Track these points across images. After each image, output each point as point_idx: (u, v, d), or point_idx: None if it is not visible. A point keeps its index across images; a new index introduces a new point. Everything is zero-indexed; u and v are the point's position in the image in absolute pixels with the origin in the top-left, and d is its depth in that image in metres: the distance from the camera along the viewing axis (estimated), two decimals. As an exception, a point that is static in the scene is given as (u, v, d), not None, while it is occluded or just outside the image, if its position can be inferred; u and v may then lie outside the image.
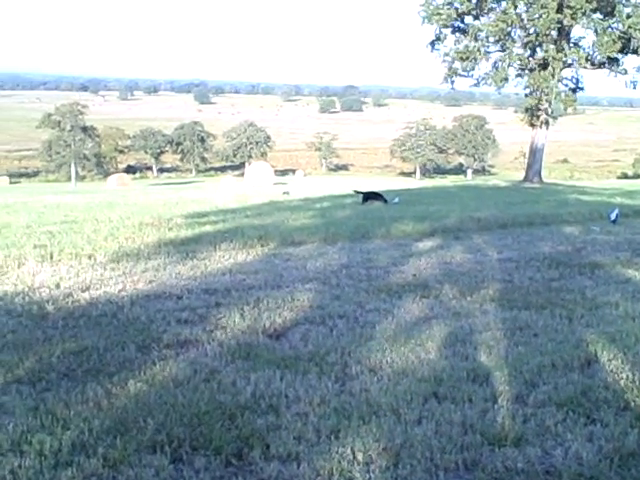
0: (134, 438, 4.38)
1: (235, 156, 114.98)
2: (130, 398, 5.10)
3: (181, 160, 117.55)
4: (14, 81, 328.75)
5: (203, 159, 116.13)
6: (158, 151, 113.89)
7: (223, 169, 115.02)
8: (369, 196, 23.48)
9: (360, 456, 4.19)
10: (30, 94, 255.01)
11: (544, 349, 6.23)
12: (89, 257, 11.05)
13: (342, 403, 5.00)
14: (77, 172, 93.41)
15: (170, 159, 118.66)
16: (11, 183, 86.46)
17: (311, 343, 6.53)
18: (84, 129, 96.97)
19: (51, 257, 11.01)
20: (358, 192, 24.51)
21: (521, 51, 46.33)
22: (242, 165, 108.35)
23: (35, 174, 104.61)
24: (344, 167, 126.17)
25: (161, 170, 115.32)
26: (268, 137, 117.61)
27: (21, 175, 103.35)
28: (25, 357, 6.03)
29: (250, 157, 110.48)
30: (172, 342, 6.54)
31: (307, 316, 7.54)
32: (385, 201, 22.87)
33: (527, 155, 52.77)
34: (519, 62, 46.13)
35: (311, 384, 5.40)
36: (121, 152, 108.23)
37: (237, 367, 5.81)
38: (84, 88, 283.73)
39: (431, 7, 45.72)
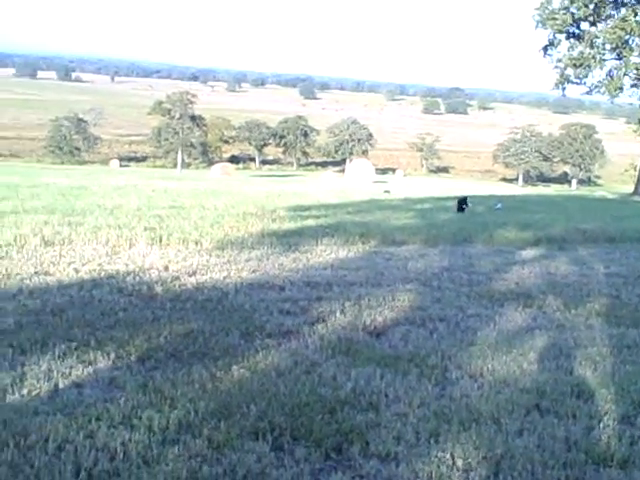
0: (237, 423, 4.48)
1: (337, 152, 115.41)
2: (234, 383, 5.22)
3: (283, 153, 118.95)
4: (129, 68, 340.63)
5: (305, 153, 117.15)
6: (262, 143, 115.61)
7: (324, 164, 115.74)
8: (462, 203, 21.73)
9: (460, 462, 4.16)
10: (143, 81, 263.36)
11: (653, 370, 6.01)
12: (196, 243, 11.36)
13: (442, 407, 4.96)
14: (183, 159, 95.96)
15: (273, 151, 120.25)
16: (121, 166, 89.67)
17: (411, 344, 6.51)
18: (192, 118, 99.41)
19: (160, 240, 11.38)
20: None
21: (638, 60, 44.69)
22: (343, 161, 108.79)
23: (144, 159, 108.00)
24: (445, 169, 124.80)
25: (263, 162, 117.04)
26: (370, 135, 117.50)
27: (130, 159, 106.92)
28: (135, 335, 6.26)
29: (351, 154, 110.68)
30: (274, 332, 6.65)
31: (407, 316, 7.52)
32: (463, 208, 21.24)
33: (638, 168, 50.84)
34: (635, 71, 44.52)
35: (411, 385, 5.38)
36: (226, 142, 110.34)
37: (337, 362, 5.85)
38: (194, 78, 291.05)
39: (546, 11, 44.69)
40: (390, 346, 6.45)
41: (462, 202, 21.41)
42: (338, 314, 7.36)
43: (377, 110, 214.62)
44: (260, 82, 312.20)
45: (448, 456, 4.21)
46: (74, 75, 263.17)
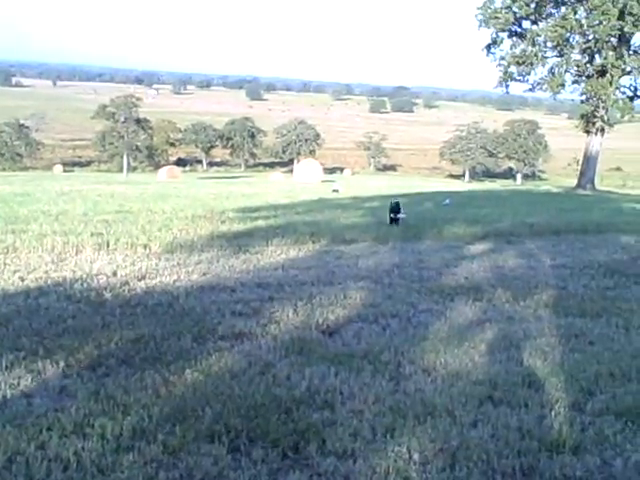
0: (192, 427, 4.44)
1: (284, 153, 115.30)
2: (187, 387, 5.18)
3: (231, 155, 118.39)
4: (71, 72, 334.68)
5: (252, 154, 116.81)
6: (208, 145, 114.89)
7: (272, 165, 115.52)
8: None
9: (416, 456, 4.19)
10: (86, 85, 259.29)
11: (601, 358, 6.15)
12: (144, 247, 11.24)
13: (397, 402, 4.99)
14: (129, 163, 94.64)
15: (220, 153, 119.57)
16: (65, 171, 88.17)
17: (364, 341, 6.54)
18: (137, 121, 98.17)
19: (107, 245, 11.24)
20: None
21: (579, 57, 45.73)
22: (291, 162, 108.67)
23: (88, 163, 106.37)
24: (392, 167, 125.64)
25: (210, 164, 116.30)
26: (317, 135, 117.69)
27: (74, 164, 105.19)
28: (85, 342, 6.15)
29: (299, 154, 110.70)
30: (227, 334, 6.61)
31: (360, 314, 7.55)
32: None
33: (580, 162, 52.00)
34: (576, 68, 45.53)
35: (365, 382, 5.40)
36: (172, 145, 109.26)
37: (291, 361, 5.85)
38: (139, 81, 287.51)
39: (489, 10, 45.38)
40: (343, 344, 6.47)
41: (394, 210, 16.03)
42: (290, 314, 7.36)
43: (324, 110, 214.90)
44: (206, 84, 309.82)
45: (405, 450, 4.24)
46: (14, 80, 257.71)
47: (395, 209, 16.06)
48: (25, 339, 6.20)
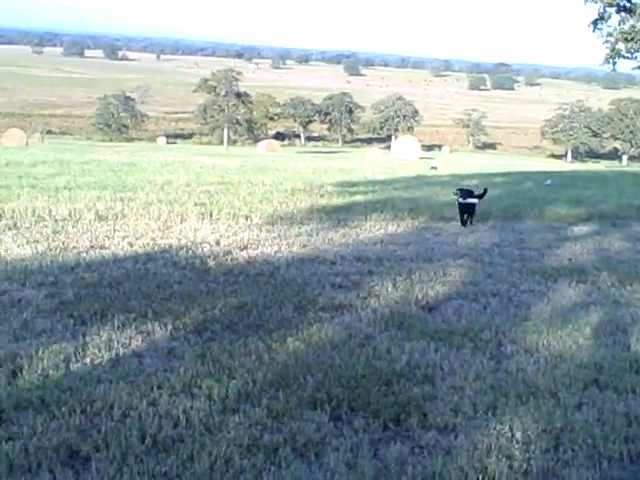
0: (295, 393, 4.53)
1: (382, 128, 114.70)
2: (289, 355, 5.28)
3: (328, 130, 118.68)
4: (174, 46, 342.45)
5: (350, 130, 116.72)
6: (307, 120, 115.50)
7: (369, 141, 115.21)
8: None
9: (519, 435, 4.14)
10: (188, 59, 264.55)
11: None
12: (246, 218, 11.46)
13: (498, 381, 4.95)
14: (229, 136, 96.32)
15: (318, 128, 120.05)
16: (168, 143, 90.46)
17: (464, 318, 6.49)
18: (238, 95, 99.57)
19: (211, 215, 11.52)
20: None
21: (692, 32, 43.38)
22: (388, 138, 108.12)
23: (190, 136, 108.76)
24: (491, 145, 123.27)
25: (308, 139, 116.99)
26: (416, 111, 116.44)
27: (177, 136, 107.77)
28: (191, 307, 6.36)
29: (397, 130, 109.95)
30: (327, 305, 6.69)
31: (459, 291, 7.49)
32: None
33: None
34: (690, 44, 43.24)
35: (466, 359, 5.37)
36: (271, 119, 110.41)
37: (391, 335, 5.87)
38: (239, 55, 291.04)
39: (596, -16, 43.54)
40: (443, 320, 6.44)
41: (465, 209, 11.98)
42: (390, 288, 7.37)
43: (422, 86, 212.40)
44: (304, 59, 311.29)
45: (507, 429, 4.20)
46: (120, 54, 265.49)
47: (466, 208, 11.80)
48: (135, 302, 6.46)
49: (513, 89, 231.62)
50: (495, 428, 4.22)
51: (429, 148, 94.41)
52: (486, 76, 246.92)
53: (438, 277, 7.99)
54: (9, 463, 3.53)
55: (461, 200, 11.82)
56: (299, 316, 6.31)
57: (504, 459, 3.85)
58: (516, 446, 4.03)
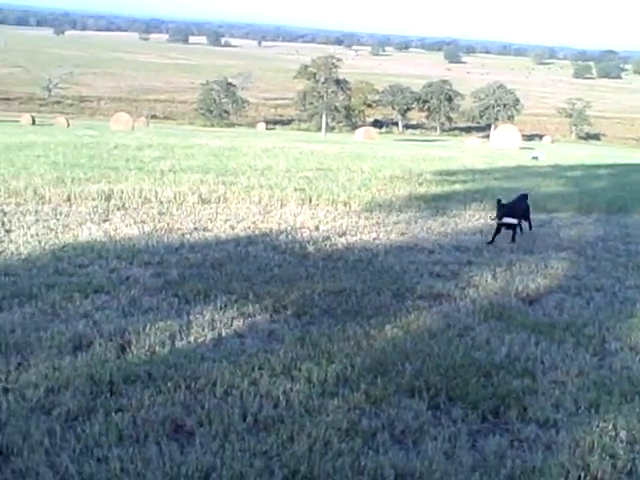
0: (393, 380, 4.55)
1: (481, 117, 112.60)
2: (387, 342, 5.29)
3: (427, 118, 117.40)
4: (276, 33, 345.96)
5: (449, 118, 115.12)
6: (405, 107, 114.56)
7: (467, 129, 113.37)
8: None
9: (623, 434, 4.03)
10: (289, 46, 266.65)
11: None
12: (344, 204, 11.52)
13: (602, 378, 4.82)
14: (327, 123, 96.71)
15: (416, 116, 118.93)
16: (267, 129, 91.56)
17: (566, 312, 6.34)
18: (337, 82, 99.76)
19: (310, 201, 11.63)
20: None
21: None
22: (487, 127, 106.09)
23: (288, 122, 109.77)
24: (595, 136, 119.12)
25: (406, 126, 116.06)
26: (517, 100, 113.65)
27: (276, 122, 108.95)
28: (290, 291, 6.45)
29: (496, 119, 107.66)
30: (425, 294, 6.66)
31: (561, 285, 7.32)
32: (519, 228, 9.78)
33: None
34: None
35: (567, 354, 5.25)
36: (369, 106, 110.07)
37: (490, 326, 5.80)
38: (339, 42, 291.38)
39: None
40: (544, 314, 6.31)
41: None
42: (489, 279, 7.27)
43: (524, 74, 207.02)
44: (404, 46, 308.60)
45: (610, 427, 4.09)
46: (223, 40, 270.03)
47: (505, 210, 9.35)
48: (236, 283, 6.61)
49: (620, 77, 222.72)
50: (598, 426, 4.11)
51: (529, 138, 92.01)
52: (592, 64, 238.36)
53: (539, 269, 7.82)
54: (119, 433, 3.69)
55: (497, 220, 9.30)
56: (397, 304, 6.31)
57: (607, 458, 3.76)
58: (620, 445, 3.92)
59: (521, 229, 9.64)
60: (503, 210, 9.19)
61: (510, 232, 9.34)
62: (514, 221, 9.34)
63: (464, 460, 3.67)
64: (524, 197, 10.11)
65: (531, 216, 10.03)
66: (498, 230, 9.24)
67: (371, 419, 4.03)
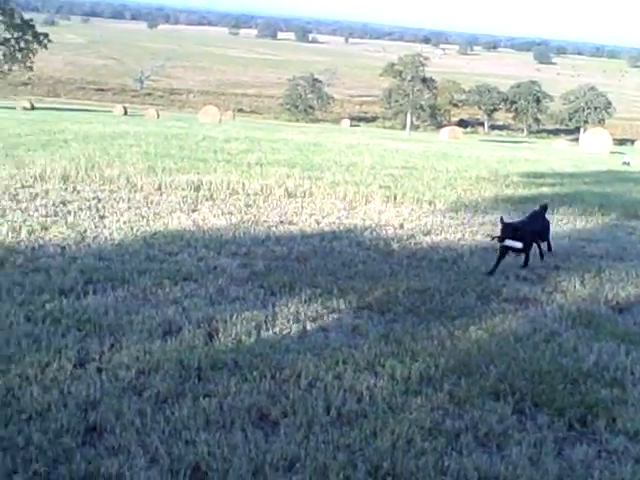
0: (477, 382, 4.50)
1: (570, 120, 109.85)
2: (472, 343, 5.23)
3: (513, 119, 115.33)
4: (362, 30, 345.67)
5: (536, 120, 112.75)
6: (491, 108, 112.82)
7: (555, 132, 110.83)
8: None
9: None
10: (376, 43, 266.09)
11: None
12: (429, 203, 11.44)
13: (698, 392, 4.64)
14: (412, 121, 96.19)
15: (502, 117, 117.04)
16: (351, 126, 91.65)
17: (659, 323, 6.13)
18: (423, 80, 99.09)
19: (395, 198, 11.60)
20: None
21: None
22: (576, 130, 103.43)
23: (373, 119, 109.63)
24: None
25: (492, 127, 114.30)
26: (609, 103, 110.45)
27: (360, 119, 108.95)
28: (374, 287, 6.46)
29: (586, 122, 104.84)
30: (511, 297, 6.56)
31: (654, 294, 7.08)
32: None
33: None
34: None
35: (660, 365, 5.08)
36: (455, 105, 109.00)
37: (578, 333, 5.66)
38: (426, 40, 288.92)
39: None
40: (635, 323, 6.13)
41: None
42: (577, 285, 7.10)
43: (617, 77, 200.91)
44: (492, 45, 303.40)
45: None
46: (311, 36, 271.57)
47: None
48: (321, 277, 6.66)
49: None
50: (691, 440, 3.97)
51: (620, 142, 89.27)
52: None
53: (630, 277, 7.58)
54: (206, 418, 3.77)
55: (497, 242, 7.65)
56: (482, 305, 6.24)
57: (699, 473, 3.63)
58: None
59: (541, 255, 8.09)
60: (507, 231, 7.52)
61: (522, 256, 7.75)
62: (518, 245, 7.53)
63: (550, 468, 3.61)
64: (540, 213, 8.49)
65: (550, 234, 8.50)
66: (502, 255, 7.56)
67: (454, 420, 4.00)
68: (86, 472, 3.19)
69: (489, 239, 7.98)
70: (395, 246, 8.28)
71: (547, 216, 8.71)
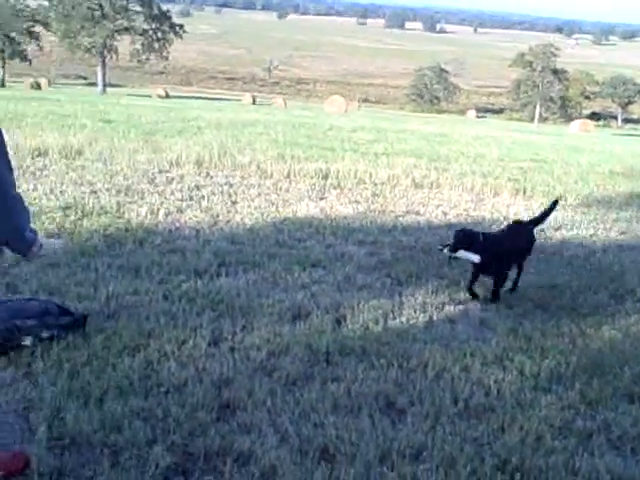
0: (610, 383, 4.34)
1: None
2: (604, 342, 5.07)
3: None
4: (491, 20, 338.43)
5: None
6: (626, 100, 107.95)
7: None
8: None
9: None
10: (505, 33, 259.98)
11: None
12: (560, 198, 11.09)
13: None
14: (540, 113, 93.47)
15: (638, 110, 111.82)
16: (477, 117, 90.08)
17: None
18: (554, 71, 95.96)
19: (524, 192, 11.35)
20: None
21: None
22: None
23: (500, 111, 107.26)
24: None
25: (626, 120, 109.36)
26: None
27: (486, 110, 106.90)
28: (502, 281, 6.33)
29: None
30: (647, 296, 6.29)
31: None
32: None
33: None
34: None
35: None
36: (587, 98, 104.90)
37: None
38: (558, 30, 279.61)
39: None
40: None
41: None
42: None
43: None
44: (630, 35, 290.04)
45: None
46: (439, 26, 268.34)
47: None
48: (447, 269, 6.57)
49: None
50: None
51: None
52: None
53: None
54: (334, 402, 3.83)
55: (447, 252, 5.92)
56: (615, 304, 6.02)
57: None
58: None
59: (515, 283, 6.12)
60: (462, 238, 5.79)
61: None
62: (474, 259, 5.71)
63: (689, 475, 3.45)
64: (524, 227, 6.36)
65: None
66: (474, 276, 5.90)
67: (586, 420, 3.89)
68: (220, 447, 3.31)
69: (439, 248, 6.10)
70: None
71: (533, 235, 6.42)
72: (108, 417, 3.47)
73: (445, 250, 5.89)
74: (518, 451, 3.47)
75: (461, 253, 5.75)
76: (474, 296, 5.84)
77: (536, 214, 6.95)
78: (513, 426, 3.71)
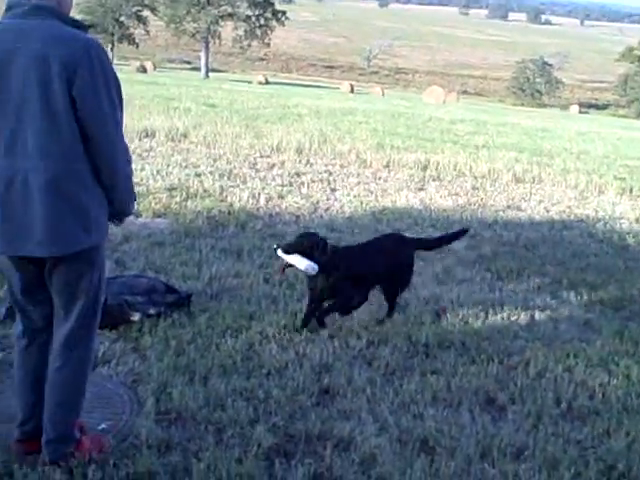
0: None
1: None
2: None
3: None
4: (600, 12, 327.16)
5: None
6: None
7: None
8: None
9: None
10: (613, 26, 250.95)
11: None
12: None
13: None
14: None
15: None
16: (580, 112, 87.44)
17: None
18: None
19: (631, 191, 10.97)
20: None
21: None
22: None
23: (604, 107, 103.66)
24: None
25: None
26: None
27: (590, 106, 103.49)
28: (607, 282, 6.17)
29: None
30: None
31: None
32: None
33: None
34: None
35: None
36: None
37: None
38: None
39: None
40: None
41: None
42: None
43: None
44: None
45: None
46: (543, 17, 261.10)
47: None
48: (549, 267, 6.47)
49: None
50: None
51: None
52: None
53: None
54: (433, 394, 3.81)
55: (281, 253, 4.58)
56: None
57: None
58: None
59: (391, 308, 4.87)
60: (301, 242, 4.58)
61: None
62: (309, 268, 4.48)
63: None
64: (385, 244, 5.01)
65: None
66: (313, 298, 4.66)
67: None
68: (320, 431, 3.34)
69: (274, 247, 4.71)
70: (630, 241, 7.84)
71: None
72: (212, 395, 3.56)
73: (279, 251, 4.55)
74: (624, 457, 3.36)
75: (293, 258, 4.49)
76: (321, 324, 4.57)
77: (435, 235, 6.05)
78: (619, 431, 3.60)
